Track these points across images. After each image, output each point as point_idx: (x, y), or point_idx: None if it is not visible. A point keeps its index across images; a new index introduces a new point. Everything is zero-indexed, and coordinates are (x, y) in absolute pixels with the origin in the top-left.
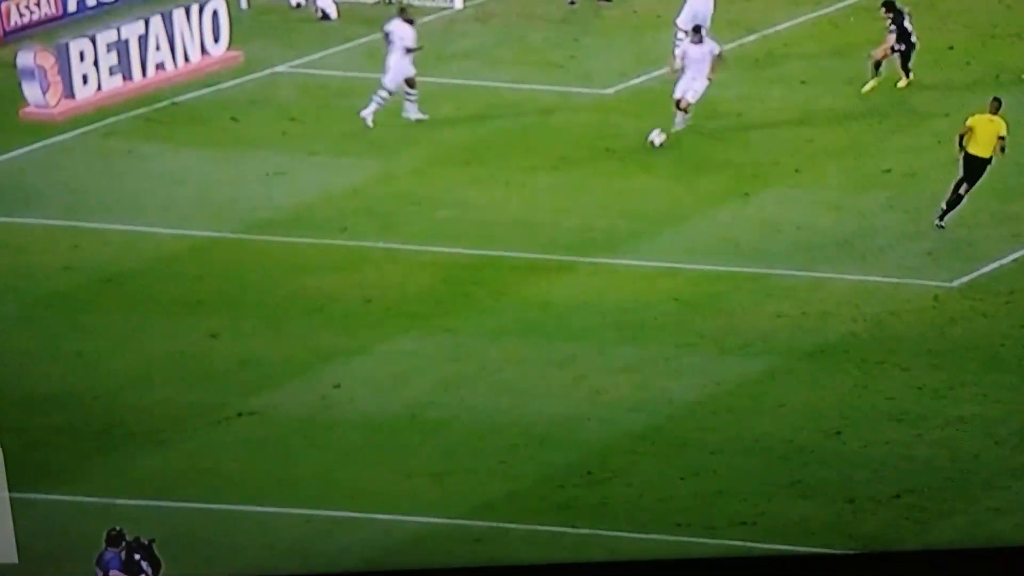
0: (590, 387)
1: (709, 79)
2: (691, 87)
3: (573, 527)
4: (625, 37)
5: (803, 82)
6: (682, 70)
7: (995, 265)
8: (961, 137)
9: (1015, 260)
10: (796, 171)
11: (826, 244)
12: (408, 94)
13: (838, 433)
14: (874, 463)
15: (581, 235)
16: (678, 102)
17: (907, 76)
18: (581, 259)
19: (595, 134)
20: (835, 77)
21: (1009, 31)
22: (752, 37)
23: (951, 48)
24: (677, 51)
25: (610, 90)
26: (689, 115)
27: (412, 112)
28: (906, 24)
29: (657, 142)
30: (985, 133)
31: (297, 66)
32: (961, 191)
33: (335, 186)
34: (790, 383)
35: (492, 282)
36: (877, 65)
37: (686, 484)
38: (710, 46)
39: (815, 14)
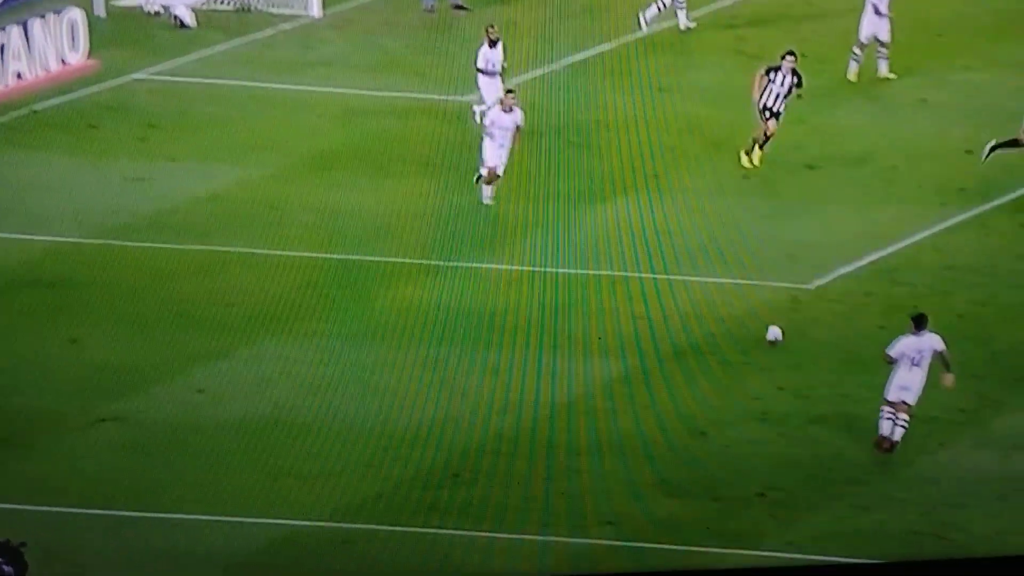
0: (456, 389)
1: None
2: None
3: (441, 528)
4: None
5: (660, 89)
6: (491, 136)
7: (851, 267)
8: None
9: (871, 262)
10: (655, 176)
11: (686, 247)
12: None
13: (703, 433)
14: (738, 462)
15: (444, 239)
16: (492, 171)
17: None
18: (444, 263)
19: (456, 140)
20: (691, 85)
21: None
22: (608, 45)
23: (804, 56)
24: (487, 120)
25: (470, 96)
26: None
27: None
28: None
29: None
30: None
31: (155, 73)
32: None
33: (196, 192)
34: (654, 384)
35: (356, 286)
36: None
37: (553, 484)
38: (518, 115)
39: (667, 24)
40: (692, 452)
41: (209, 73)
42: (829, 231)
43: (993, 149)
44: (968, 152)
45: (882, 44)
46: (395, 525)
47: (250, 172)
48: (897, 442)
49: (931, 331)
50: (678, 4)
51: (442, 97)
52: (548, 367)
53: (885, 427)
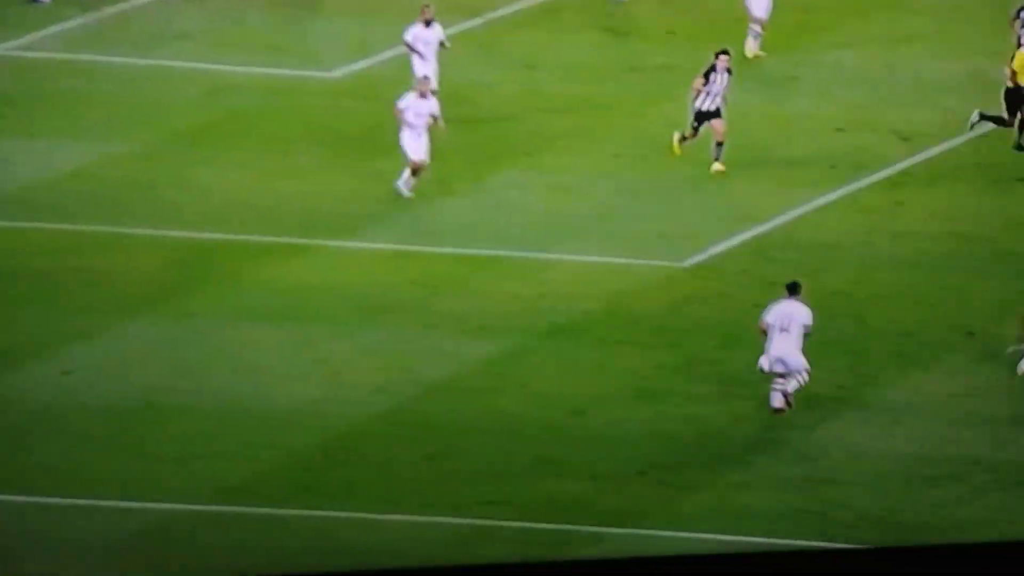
0: (332, 369)
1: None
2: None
3: (319, 508)
4: (349, 20)
5: (528, 65)
6: (409, 126)
7: (726, 245)
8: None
9: (745, 240)
10: (528, 155)
11: (560, 226)
12: None
13: (581, 412)
14: (618, 440)
15: (315, 218)
16: (419, 165)
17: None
18: (316, 242)
19: (324, 117)
20: (561, 63)
21: (729, 16)
22: (477, 21)
23: (673, 33)
24: (402, 103)
25: (336, 73)
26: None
27: None
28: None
29: None
30: None
31: (10, 49)
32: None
33: (57, 170)
34: (532, 363)
35: (226, 265)
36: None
37: (432, 464)
38: (434, 103)
39: (535, 0)
40: (571, 431)
41: (66, 48)
42: (703, 209)
43: (982, 118)
44: (839, 130)
45: (756, 21)
46: (272, 507)
47: (113, 149)
48: (782, 409)
49: (802, 302)
50: None
51: (307, 73)
52: (424, 347)
53: (776, 399)
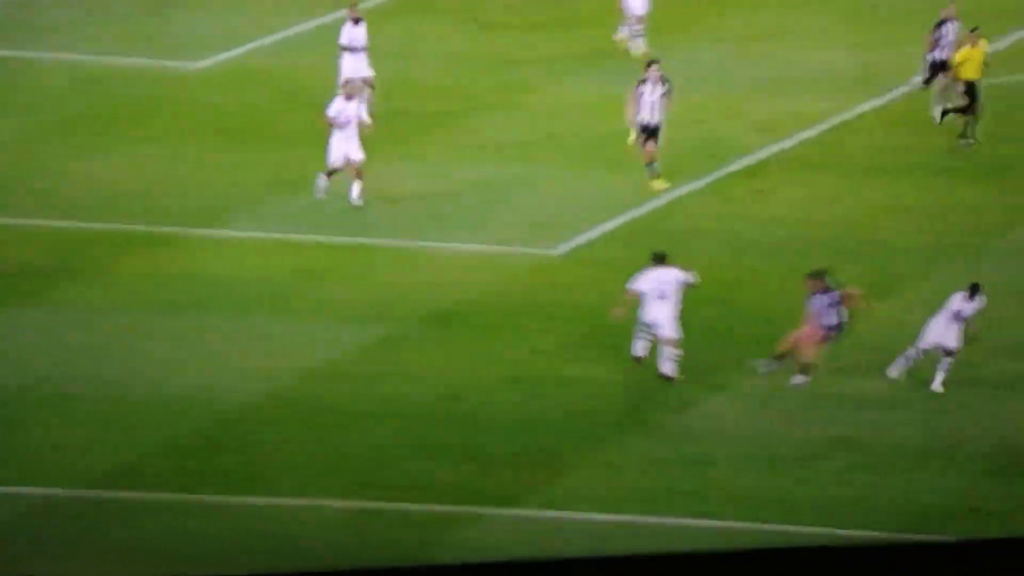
0: (215, 356)
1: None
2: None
3: (205, 494)
4: (214, 11)
5: (402, 57)
6: (340, 128)
7: (595, 233)
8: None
9: (612, 229)
10: (400, 144)
11: (433, 215)
12: None
13: (457, 397)
14: (495, 423)
15: (190, 207)
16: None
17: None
18: (192, 231)
19: (193, 107)
20: (428, 52)
21: (598, 9)
22: (340, 12)
23: (535, 25)
24: (332, 110)
25: (202, 64)
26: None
27: None
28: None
29: None
30: (974, 60)
31: None
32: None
33: None
34: (408, 349)
35: (106, 255)
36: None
37: (314, 449)
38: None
39: None
40: (449, 415)
41: None
42: (572, 198)
43: (945, 113)
44: (699, 121)
45: (637, 20)
46: (157, 492)
47: None
48: (672, 377)
49: (676, 266)
50: None
51: (171, 63)
52: (303, 333)
53: (638, 347)
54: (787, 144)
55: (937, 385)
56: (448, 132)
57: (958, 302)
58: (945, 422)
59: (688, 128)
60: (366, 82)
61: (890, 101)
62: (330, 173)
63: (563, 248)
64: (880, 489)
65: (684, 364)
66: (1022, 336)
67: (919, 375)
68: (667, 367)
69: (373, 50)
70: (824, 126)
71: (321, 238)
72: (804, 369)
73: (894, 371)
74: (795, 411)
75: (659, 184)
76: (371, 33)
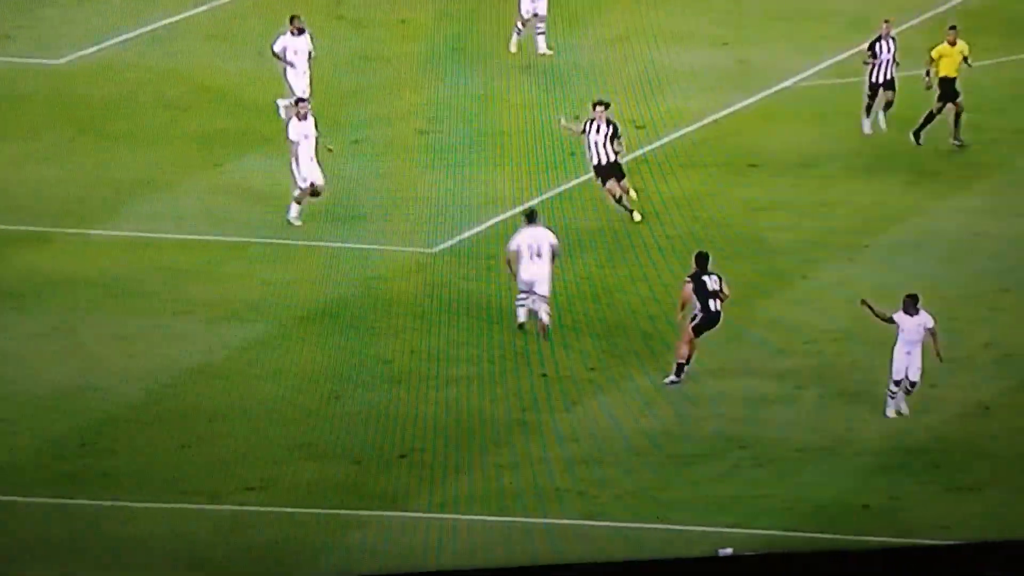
0: (87, 356)
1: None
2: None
3: (77, 497)
4: (76, 7)
5: (260, 53)
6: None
7: (473, 231)
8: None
9: (490, 227)
10: (268, 141)
11: (309, 212)
12: None
13: (338, 397)
14: (377, 424)
15: (58, 205)
16: (313, 188)
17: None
18: (61, 230)
19: (56, 104)
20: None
21: (463, 6)
22: (204, 8)
23: (403, 22)
24: (292, 135)
25: (64, 60)
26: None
27: None
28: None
29: None
30: (951, 58)
31: None
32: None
33: None
34: (286, 348)
35: None
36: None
37: (190, 451)
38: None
39: None
40: (330, 415)
41: None
42: (449, 196)
43: (918, 133)
44: (576, 118)
45: (540, 19)
46: (29, 496)
47: None
48: (547, 324)
49: (545, 227)
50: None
51: (35, 60)
52: (178, 333)
53: (520, 314)
54: (664, 142)
55: (901, 409)
56: (323, 129)
57: (903, 322)
58: (833, 420)
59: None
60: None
61: (764, 99)
62: (299, 199)
63: (442, 247)
64: (770, 487)
65: (570, 362)
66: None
67: (804, 376)
68: (546, 318)
69: (236, 47)
70: (700, 124)
71: (191, 236)
72: (679, 369)
73: (889, 411)
74: (682, 410)
75: (637, 215)
76: (234, 31)
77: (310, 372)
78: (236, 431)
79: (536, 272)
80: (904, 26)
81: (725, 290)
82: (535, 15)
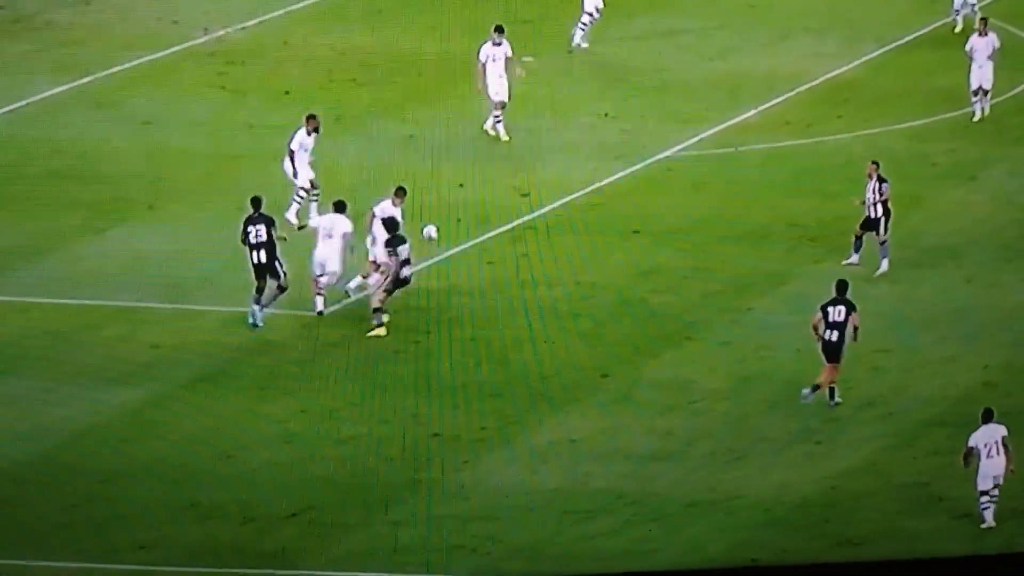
0: None
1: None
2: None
3: None
4: None
5: (145, 122)
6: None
7: (361, 295)
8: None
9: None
10: (150, 208)
11: (194, 277)
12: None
13: (228, 456)
14: (269, 483)
15: None
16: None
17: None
18: None
19: None
20: (180, 119)
21: (344, 76)
22: (88, 79)
23: (287, 92)
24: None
25: None
26: None
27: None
28: None
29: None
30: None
31: None
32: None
33: None
34: (176, 410)
35: None
36: None
37: (81, 511)
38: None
39: (149, 57)
40: (221, 475)
41: None
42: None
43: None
44: (461, 185)
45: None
46: None
47: None
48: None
49: (347, 216)
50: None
51: None
52: (64, 396)
53: (318, 302)
54: (547, 209)
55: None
56: (203, 195)
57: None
58: (721, 476)
59: (451, 192)
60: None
61: (645, 168)
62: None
63: (330, 308)
64: (660, 542)
65: (461, 422)
66: (791, 391)
67: (692, 433)
68: (320, 304)
69: (120, 116)
70: (583, 192)
71: (74, 301)
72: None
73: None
74: (574, 467)
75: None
76: (119, 100)
77: (200, 433)
78: (126, 491)
79: (325, 252)
80: (778, 99)
81: (850, 321)
82: (498, 100)
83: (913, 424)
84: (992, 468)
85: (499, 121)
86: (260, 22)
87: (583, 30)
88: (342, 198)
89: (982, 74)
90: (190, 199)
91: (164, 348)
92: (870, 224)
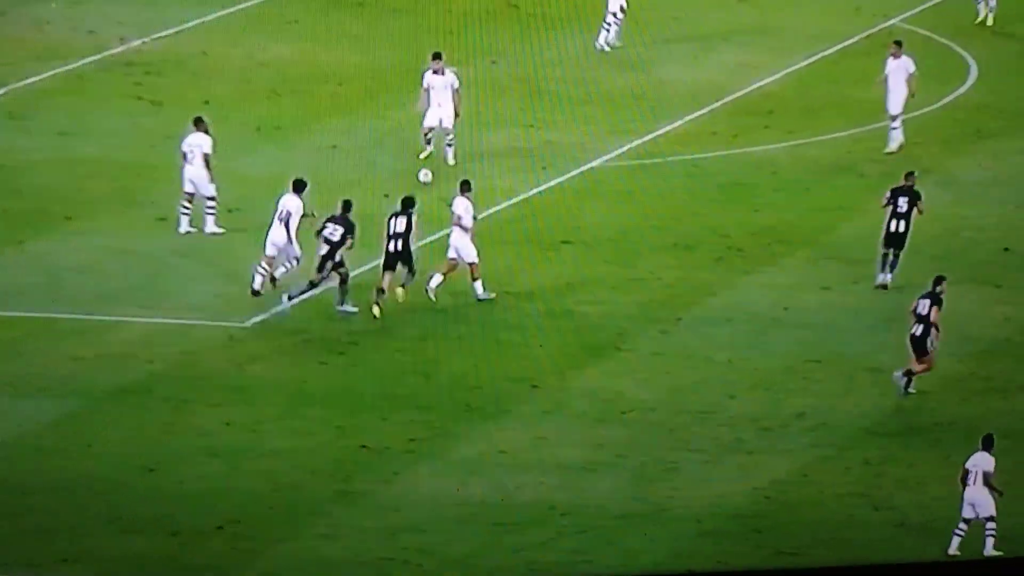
0: None
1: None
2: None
3: None
4: None
5: (61, 133)
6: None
7: (283, 306)
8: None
9: (302, 300)
10: (68, 219)
11: (114, 288)
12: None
13: (151, 470)
14: (193, 497)
15: None
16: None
17: None
18: None
19: None
20: (95, 130)
21: (264, 87)
22: (2, 90)
23: (207, 103)
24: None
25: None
26: None
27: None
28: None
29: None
30: None
31: None
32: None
33: None
34: (97, 423)
35: None
36: None
37: (2, 524)
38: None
39: (64, 68)
40: (143, 488)
41: None
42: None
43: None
44: (386, 195)
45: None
46: None
47: None
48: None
49: (301, 198)
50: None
51: None
52: None
53: (256, 281)
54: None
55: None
56: (122, 206)
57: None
58: (654, 487)
59: (376, 202)
60: None
61: (572, 178)
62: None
63: (254, 319)
64: (594, 553)
65: (389, 434)
66: (723, 401)
67: (623, 444)
68: (257, 283)
69: (35, 128)
70: (510, 202)
71: (2, 314)
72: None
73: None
74: (505, 478)
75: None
76: (33, 111)
77: (123, 446)
78: (47, 504)
79: (277, 237)
80: (704, 110)
81: (932, 315)
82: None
83: (846, 435)
84: (971, 495)
85: (450, 145)
86: (177, 32)
87: (607, 31)
88: (302, 177)
89: (894, 99)
90: (108, 210)
91: (85, 360)
92: (892, 240)
